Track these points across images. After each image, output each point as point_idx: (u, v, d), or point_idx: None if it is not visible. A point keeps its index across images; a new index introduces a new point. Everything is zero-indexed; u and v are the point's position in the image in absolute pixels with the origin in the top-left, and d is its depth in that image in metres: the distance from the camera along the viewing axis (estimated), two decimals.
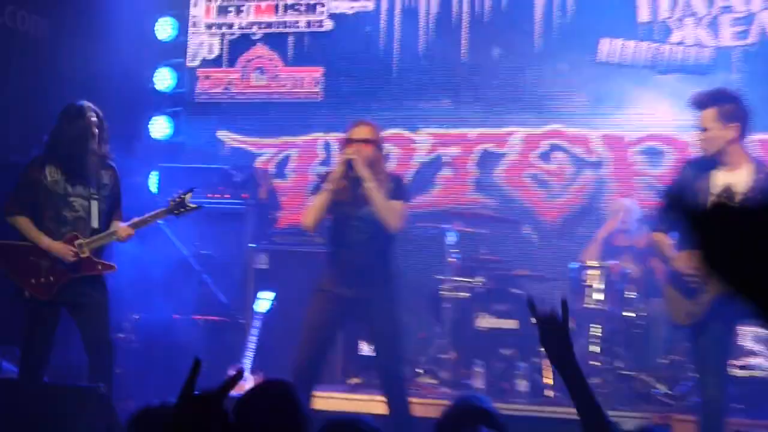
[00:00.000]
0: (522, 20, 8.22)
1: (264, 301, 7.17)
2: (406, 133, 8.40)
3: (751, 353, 6.50)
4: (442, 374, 7.11)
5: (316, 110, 8.69)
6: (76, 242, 5.65)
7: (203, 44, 9.04)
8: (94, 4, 8.53)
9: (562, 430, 5.65)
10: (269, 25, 8.90)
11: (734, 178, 5.11)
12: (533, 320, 2.75)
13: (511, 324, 7.10)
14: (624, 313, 6.85)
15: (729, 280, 1.31)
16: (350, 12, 8.66)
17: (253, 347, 6.95)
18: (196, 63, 9.05)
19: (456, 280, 7.35)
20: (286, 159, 8.74)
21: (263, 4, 8.90)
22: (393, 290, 5.86)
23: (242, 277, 7.72)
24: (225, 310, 7.60)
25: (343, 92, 8.60)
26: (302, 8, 8.79)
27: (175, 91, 8.94)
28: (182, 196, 5.89)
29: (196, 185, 6.23)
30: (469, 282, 7.37)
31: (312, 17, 8.76)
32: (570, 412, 2.77)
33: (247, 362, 6.88)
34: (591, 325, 6.76)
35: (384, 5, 8.58)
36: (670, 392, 6.55)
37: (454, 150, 8.38)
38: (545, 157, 8.19)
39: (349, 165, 5.72)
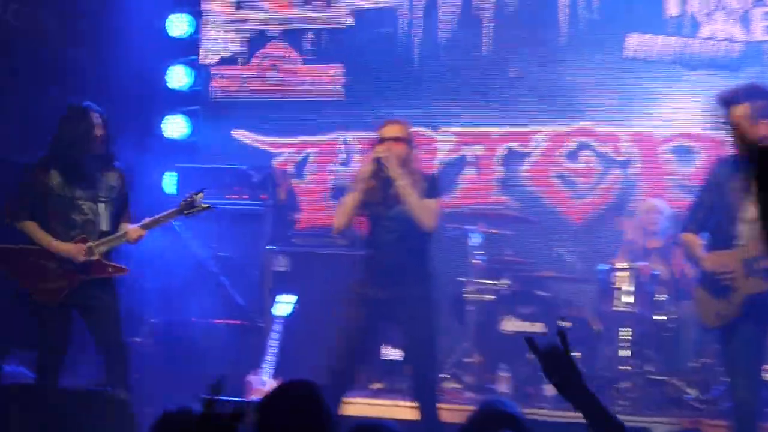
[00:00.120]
0: (547, 14, 8.05)
1: (284, 305, 7.04)
2: (429, 132, 8.22)
3: None
4: (467, 378, 7.05)
5: (334, 109, 8.54)
6: (86, 245, 5.60)
7: (218, 41, 8.89)
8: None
9: None
10: (287, 21, 8.74)
11: None
12: (531, 356, 2.66)
13: (537, 327, 7.01)
14: (654, 317, 6.72)
15: None
16: (371, 7, 8.49)
17: (275, 351, 6.82)
18: (212, 60, 8.89)
19: (480, 283, 7.25)
20: (306, 159, 8.59)
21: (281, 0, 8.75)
22: (428, 290, 5.68)
23: (260, 280, 7.61)
24: (243, 313, 7.49)
25: (362, 90, 8.45)
26: (321, 3, 8.63)
27: (191, 89, 8.79)
28: (193, 197, 5.84)
29: (214, 186, 6.18)
30: (493, 284, 7.27)
31: (332, 13, 8.60)
32: None
33: (268, 366, 6.76)
34: (620, 328, 6.65)
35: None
36: (701, 397, 6.47)
37: (477, 149, 8.21)
38: (572, 156, 8.01)
39: (379, 164, 5.58)
